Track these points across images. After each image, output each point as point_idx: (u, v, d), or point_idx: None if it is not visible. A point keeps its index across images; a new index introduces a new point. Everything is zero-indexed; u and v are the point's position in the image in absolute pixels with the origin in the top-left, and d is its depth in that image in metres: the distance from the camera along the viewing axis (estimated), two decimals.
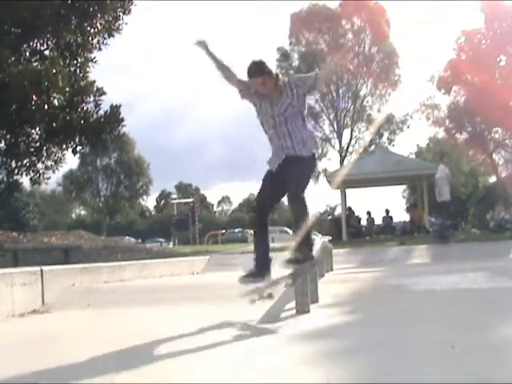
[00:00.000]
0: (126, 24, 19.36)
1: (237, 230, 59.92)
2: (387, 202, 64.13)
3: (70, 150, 19.44)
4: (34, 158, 19.26)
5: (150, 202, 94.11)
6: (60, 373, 4.03)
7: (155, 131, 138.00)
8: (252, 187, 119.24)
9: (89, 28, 18.75)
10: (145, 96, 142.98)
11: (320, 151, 53.90)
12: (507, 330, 4.89)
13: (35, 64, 18.11)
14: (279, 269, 6.42)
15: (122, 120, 19.14)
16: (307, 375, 3.66)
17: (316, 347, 4.60)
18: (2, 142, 18.90)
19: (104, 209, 73.41)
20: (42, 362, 4.39)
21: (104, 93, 19.17)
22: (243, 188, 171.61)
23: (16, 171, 19.18)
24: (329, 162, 54.22)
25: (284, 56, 53.84)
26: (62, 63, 17.72)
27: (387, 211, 31.08)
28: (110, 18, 19.02)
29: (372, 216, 30.89)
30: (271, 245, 6.62)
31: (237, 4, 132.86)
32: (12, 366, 4.26)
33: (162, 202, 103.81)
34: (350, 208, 29.85)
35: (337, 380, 3.52)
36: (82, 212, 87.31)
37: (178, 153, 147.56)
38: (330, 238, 18.91)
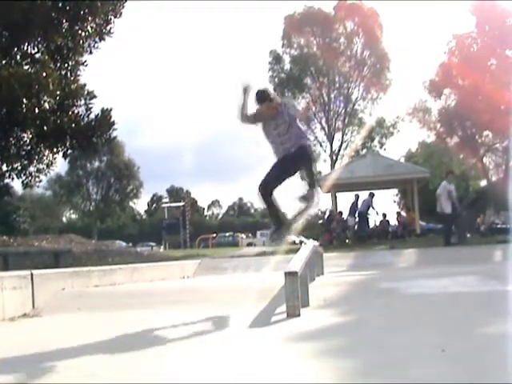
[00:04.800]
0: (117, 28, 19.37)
1: (227, 234, 59.93)
2: (380, 206, 63.86)
3: (60, 153, 19.40)
4: (25, 162, 19.21)
5: (140, 205, 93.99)
6: (51, 376, 4.01)
7: (146, 134, 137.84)
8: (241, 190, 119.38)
9: (80, 31, 18.69)
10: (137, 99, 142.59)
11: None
12: (497, 333, 4.90)
13: (26, 67, 18.07)
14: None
15: (113, 124, 19.11)
16: (294, 376, 3.66)
17: (306, 349, 4.60)
18: None
19: (95, 212, 73.18)
20: (32, 365, 4.38)
21: (95, 96, 19.15)
22: (232, 191, 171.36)
23: (7, 175, 19.12)
24: (320, 165, 54.15)
25: (276, 59, 53.79)
26: (52, 66, 17.67)
27: (384, 215, 31.11)
28: (101, 22, 18.99)
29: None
30: (263, 248, 6.72)
31: (231, 6, 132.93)
32: (2, 371, 4.24)
33: (154, 206, 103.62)
34: (340, 212, 29.79)
35: (328, 377, 3.52)
36: (73, 216, 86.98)
37: (170, 156, 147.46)
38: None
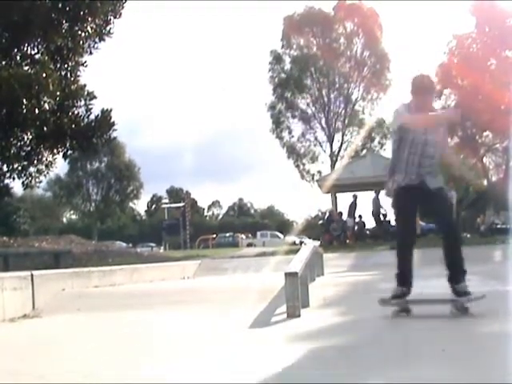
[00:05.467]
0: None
1: (228, 235, 59.86)
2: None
3: (60, 154, 19.39)
4: (26, 162, 19.18)
5: (140, 206, 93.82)
6: (51, 377, 4.01)
7: (147, 134, 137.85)
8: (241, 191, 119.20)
9: (79, 32, 18.67)
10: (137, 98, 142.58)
11: (311, 155, 54.10)
12: (497, 333, 4.91)
13: (26, 68, 18.05)
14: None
15: (113, 124, 19.07)
16: (294, 376, 3.67)
17: (306, 349, 4.59)
18: None
19: (95, 213, 73.12)
20: (32, 366, 4.38)
21: (95, 97, 19.13)
22: (232, 191, 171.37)
23: (7, 175, 19.11)
24: (320, 165, 54.09)
25: (277, 59, 53.78)
26: (52, 67, 17.66)
27: (385, 215, 31.01)
28: (101, 22, 18.97)
29: (363, 220, 30.78)
30: (263, 249, 6.68)
31: (231, 6, 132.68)
32: (3, 371, 4.24)
33: (154, 207, 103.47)
34: (340, 213, 29.72)
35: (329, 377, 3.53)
36: (73, 216, 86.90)
37: (170, 156, 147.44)
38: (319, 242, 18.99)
